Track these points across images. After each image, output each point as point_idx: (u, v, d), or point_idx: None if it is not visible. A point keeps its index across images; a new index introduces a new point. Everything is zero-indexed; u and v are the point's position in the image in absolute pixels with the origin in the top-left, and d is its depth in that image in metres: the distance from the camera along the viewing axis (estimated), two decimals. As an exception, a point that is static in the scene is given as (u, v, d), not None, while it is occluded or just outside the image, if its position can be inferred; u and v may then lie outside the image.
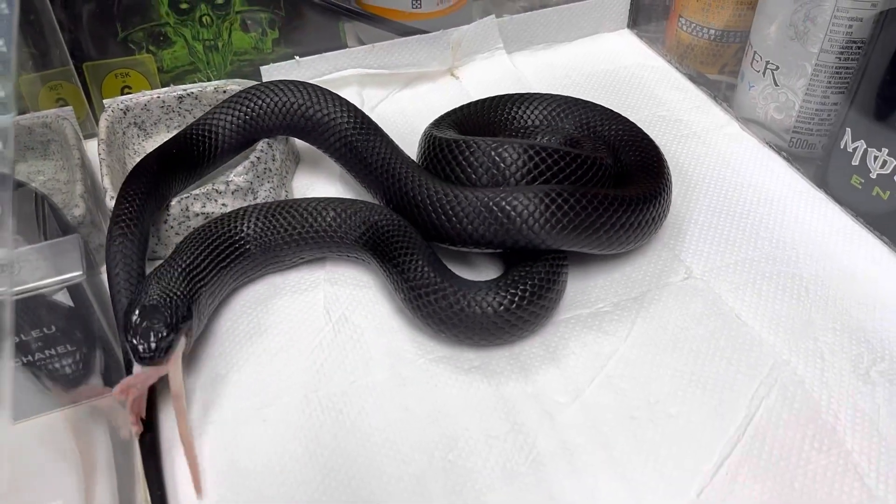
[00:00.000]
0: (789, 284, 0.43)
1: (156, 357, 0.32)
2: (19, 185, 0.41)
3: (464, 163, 0.42)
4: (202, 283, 0.37)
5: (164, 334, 0.32)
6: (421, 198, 0.41)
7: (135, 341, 0.32)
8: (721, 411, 0.36)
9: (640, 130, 0.48)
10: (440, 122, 0.48)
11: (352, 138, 0.46)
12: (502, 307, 0.37)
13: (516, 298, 0.38)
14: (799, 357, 0.39)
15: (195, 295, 0.36)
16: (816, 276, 0.43)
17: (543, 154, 0.42)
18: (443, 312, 0.38)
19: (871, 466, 0.34)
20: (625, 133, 0.48)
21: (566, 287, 0.41)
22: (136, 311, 0.33)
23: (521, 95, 0.51)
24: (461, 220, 0.40)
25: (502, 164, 0.42)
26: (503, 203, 0.39)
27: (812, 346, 0.39)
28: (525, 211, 0.38)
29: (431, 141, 0.45)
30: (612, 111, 0.50)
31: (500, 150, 0.42)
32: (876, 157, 0.44)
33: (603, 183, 0.43)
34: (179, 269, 0.37)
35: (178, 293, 0.35)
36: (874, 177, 0.45)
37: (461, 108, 0.50)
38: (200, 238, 0.40)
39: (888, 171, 0.44)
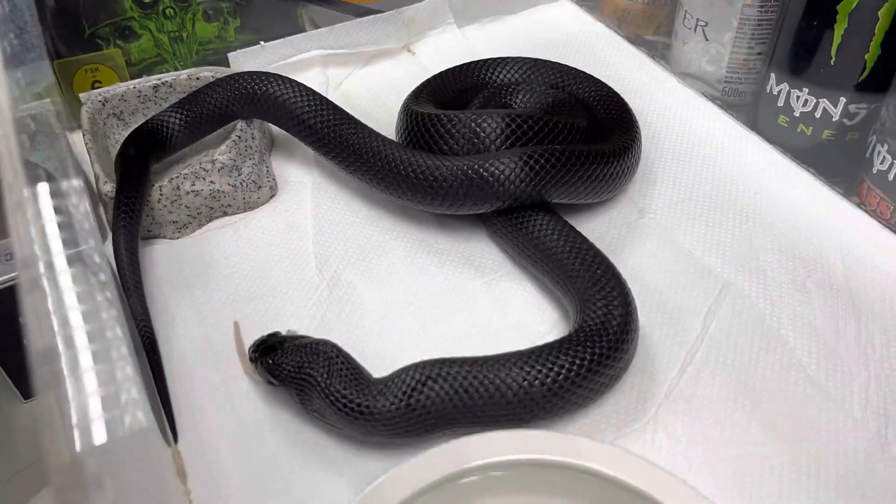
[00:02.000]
0: (731, 216, 0.48)
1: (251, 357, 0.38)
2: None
3: (446, 135, 0.45)
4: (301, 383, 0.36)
5: (258, 356, 0.37)
6: (404, 168, 0.43)
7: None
8: (680, 328, 0.41)
9: (610, 89, 0.52)
10: (418, 95, 0.51)
11: (315, 122, 0.47)
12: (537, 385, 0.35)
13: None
14: (744, 277, 0.44)
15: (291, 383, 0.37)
16: (754, 206, 0.48)
17: (520, 121, 0.45)
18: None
19: (811, 360, 0.39)
20: (596, 92, 0.52)
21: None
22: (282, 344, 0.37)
23: (496, 59, 0.55)
24: (444, 186, 0.43)
25: (482, 134, 0.45)
26: (482, 170, 0.42)
27: (755, 265, 0.44)
28: (502, 175, 0.42)
29: (412, 115, 0.48)
30: (582, 72, 0.54)
31: (480, 121, 0.45)
32: (798, 97, 0.50)
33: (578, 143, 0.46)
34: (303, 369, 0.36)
35: (287, 367, 0.36)
36: (798, 115, 0.50)
37: (437, 76, 0.53)
38: (329, 365, 0.36)
39: (809, 109, 0.49)
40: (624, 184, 0.48)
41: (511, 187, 0.42)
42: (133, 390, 0.31)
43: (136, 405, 0.31)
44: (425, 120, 0.46)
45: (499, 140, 0.45)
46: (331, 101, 0.49)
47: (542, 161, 0.42)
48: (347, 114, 0.48)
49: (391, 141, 0.46)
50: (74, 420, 0.27)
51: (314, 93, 0.49)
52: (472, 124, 0.45)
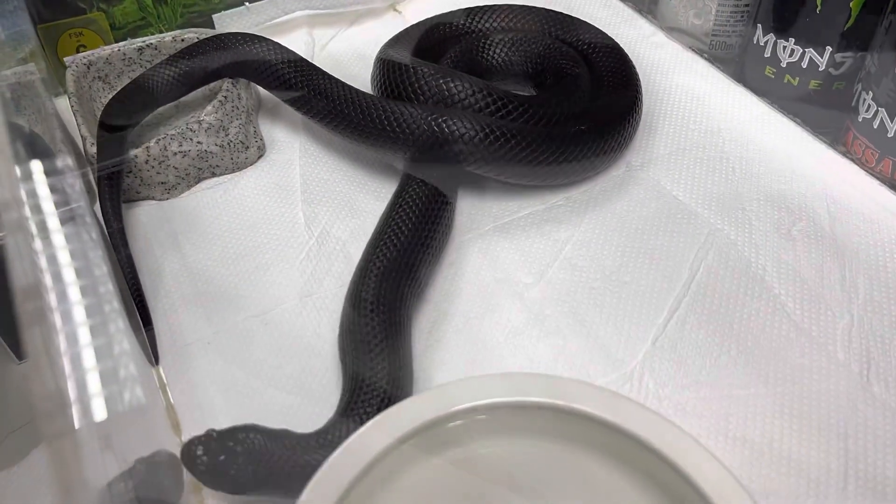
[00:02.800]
0: (718, 166, 0.48)
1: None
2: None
3: (412, 87, 0.45)
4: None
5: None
6: (377, 115, 0.44)
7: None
8: (667, 274, 0.41)
9: (610, 40, 0.52)
10: (394, 43, 0.51)
11: (289, 77, 0.48)
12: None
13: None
14: (730, 225, 0.44)
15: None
16: (741, 156, 0.48)
17: (489, 99, 0.44)
18: None
19: (795, 305, 0.40)
20: (594, 43, 0.52)
21: None
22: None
23: (481, 7, 0.54)
24: (405, 132, 0.43)
25: (449, 99, 0.45)
26: (444, 124, 0.42)
27: (741, 214, 0.45)
28: (461, 138, 0.42)
29: (383, 64, 0.48)
30: (575, 18, 0.53)
31: (449, 81, 0.45)
32: (784, 48, 0.50)
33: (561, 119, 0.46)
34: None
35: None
36: (784, 65, 0.50)
37: (416, 24, 0.53)
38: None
39: (796, 59, 0.49)
40: (609, 161, 0.47)
41: (468, 151, 0.42)
42: (124, 342, 0.31)
43: (128, 357, 0.31)
44: (394, 69, 0.46)
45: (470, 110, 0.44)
46: (308, 61, 0.49)
47: (503, 138, 0.42)
48: (323, 70, 0.48)
49: (367, 94, 0.46)
50: (67, 370, 0.28)
51: (290, 51, 0.49)
52: (442, 82, 0.45)
